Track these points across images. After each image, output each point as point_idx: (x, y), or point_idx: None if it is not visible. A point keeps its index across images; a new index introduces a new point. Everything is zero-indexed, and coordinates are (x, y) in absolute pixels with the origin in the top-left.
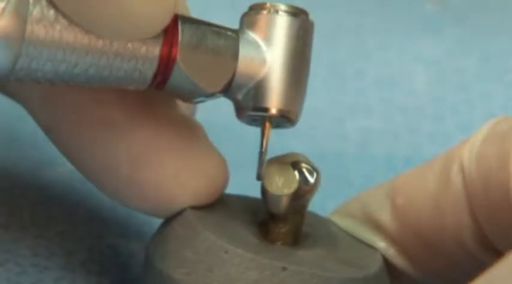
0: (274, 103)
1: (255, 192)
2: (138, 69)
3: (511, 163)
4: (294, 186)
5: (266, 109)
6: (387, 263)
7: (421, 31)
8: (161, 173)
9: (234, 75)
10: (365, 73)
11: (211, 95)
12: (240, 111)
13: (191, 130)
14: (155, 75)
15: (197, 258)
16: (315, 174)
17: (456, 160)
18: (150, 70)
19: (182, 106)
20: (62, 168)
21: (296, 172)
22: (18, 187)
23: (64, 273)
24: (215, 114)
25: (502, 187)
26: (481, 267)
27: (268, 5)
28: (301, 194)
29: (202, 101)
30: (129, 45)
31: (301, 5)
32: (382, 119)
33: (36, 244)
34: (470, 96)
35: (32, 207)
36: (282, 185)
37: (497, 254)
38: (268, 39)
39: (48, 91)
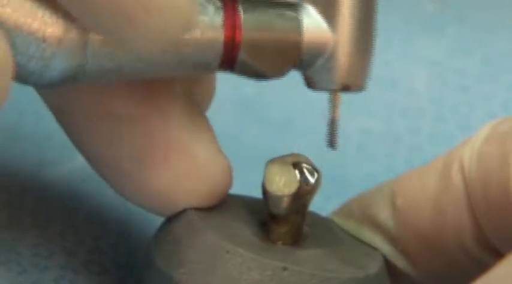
0: (342, 78)
1: (256, 192)
2: (204, 59)
3: (511, 164)
4: (294, 186)
5: (335, 84)
6: (388, 264)
7: (422, 31)
8: (163, 174)
9: (299, 55)
10: None
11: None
12: (309, 84)
13: (199, 131)
14: (221, 63)
15: (198, 258)
16: (315, 174)
17: (456, 160)
18: (216, 58)
19: (198, 99)
20: (62, 168)
21: (297, 173)
22: (18, 187)
23: (64, 273)
24: (216, 113)
25: (502, 188)
26: (481, 268)
27: None
28: (302, 194)
29: None
30: (190, 37)
31: None
32: (382, 120)
33: (36, 243)
34: (471, 96)
35: (32, 206)
36: (283, 185)
37: (497, 254)
38: (331, 12)
39: None
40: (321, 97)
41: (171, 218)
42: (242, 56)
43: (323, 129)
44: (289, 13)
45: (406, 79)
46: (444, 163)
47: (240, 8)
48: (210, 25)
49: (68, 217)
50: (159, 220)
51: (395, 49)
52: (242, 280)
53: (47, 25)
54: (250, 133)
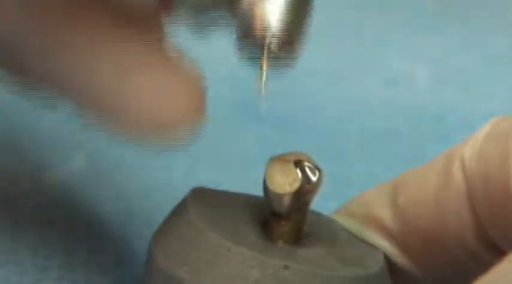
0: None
1: (257, 191)
2: None
3: None
4: (296, 185)
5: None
6: (389, 262)
7: (423, 30)
8: (144, 88)
9: None
10: (366, 73)
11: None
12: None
13: (166, 51)
14: None
15: (199, 256)
16: (317, 173)
17: (457, 157)
18: None
19: None
20: (61, 170)
21: (298, 171)
22: (18, 189)
23: (64, 273)
24: (214, 114)
25: (502, 185)
26: (482, 266)
27: None
28: (304, 192)
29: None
30: None
31: None
32: (383, 118)
33: (35, 244)
34: (472, 95)
35: (31, 208)
36: (284, 183)
37: (499, 252)
38: None
39: None
40: (322, 97)
41: (172, 217)
42: None
43: (323, 128)
44: None
45: (407, 78)
46: (445, 161)
47: None
48: None
49: (67, 218)
50: (158, 220)
51: (396, 48)
52: (243, 278)
53: None
54: (250, 133)
